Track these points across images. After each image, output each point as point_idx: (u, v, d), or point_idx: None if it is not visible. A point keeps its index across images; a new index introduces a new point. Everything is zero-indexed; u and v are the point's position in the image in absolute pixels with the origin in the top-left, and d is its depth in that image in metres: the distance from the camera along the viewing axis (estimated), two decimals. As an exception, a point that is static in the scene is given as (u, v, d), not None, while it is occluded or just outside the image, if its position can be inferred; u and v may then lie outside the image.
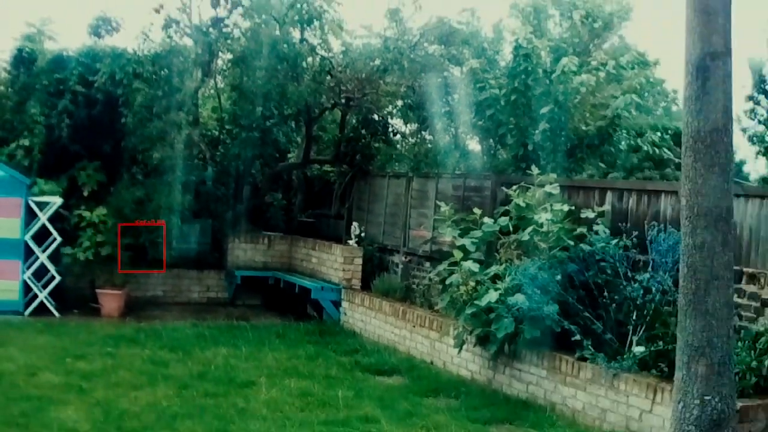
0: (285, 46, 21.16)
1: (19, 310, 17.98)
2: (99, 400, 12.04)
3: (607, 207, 14.71)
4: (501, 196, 16.55)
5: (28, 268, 18.29)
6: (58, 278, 18.49)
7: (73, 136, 20.06)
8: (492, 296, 13.41)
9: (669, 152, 22.60)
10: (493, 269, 14.22)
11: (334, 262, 20.16)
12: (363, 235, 20.74)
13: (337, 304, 19.47)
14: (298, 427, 11.34)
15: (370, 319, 18.17)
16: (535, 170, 15.28)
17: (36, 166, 19.65)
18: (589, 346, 12.39)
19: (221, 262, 22.02)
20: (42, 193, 18.84)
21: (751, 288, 12.03)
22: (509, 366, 13.91)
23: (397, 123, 24.14)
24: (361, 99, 21.57)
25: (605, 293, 13.00)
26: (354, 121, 23.07)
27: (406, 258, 19.77)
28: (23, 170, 18.93)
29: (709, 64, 8.99)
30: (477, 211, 15.66)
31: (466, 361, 14.94)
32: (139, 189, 19.74)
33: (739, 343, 11.23)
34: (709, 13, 9.03)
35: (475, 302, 13.65)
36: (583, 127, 20.44)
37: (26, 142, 19.58)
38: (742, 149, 34.69)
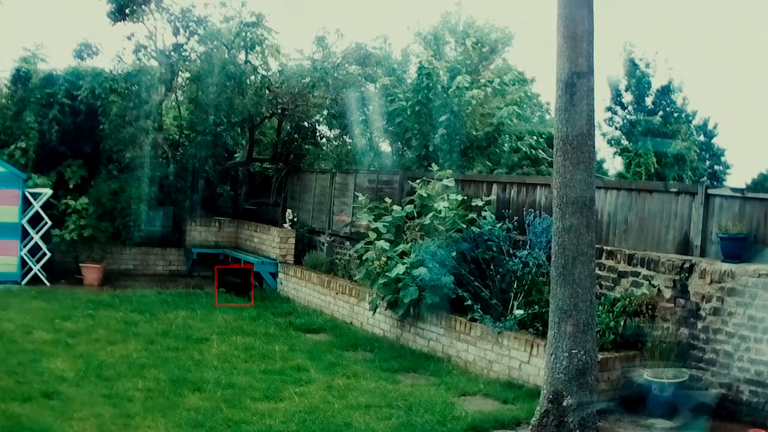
0: (232, 66, 21.17)
1: (17, 280, 17.98)
2: (82, 353, 12.07)
3: (493, 197, 14.66)
4: (407, 188, 16.44)
5: (25, 246, 18.32)
6: (48, 254, 18.51)
7: (61, 139, 20.15)
8: (400, 269, 13.39)
9: (543, 153, 22.61)
10: (401, 247, 14.14)
11: (272, 242, 19.94)
12: (295, 219, 20.72)
13: (274, 275, 19.26)
14: (243, 375, 11.45)
15: (302, 288, 17.94)
16: (434, 167, 15.34)
17: (31, 163, 19.80)
18: (479, 310, 12.31)
19: (181, 242, 21.80)
20: (36, 185, 18.99)
21: (610, 262, 12.10)
22: (414, 325, 13.77)
23: (323, 129, 24.09)
24: (294, 109, 21.54)
25: (492, 266, 12.94)
26: (288, 127, 22.85)
27: (330, 238, 19.58)
28: (20, 167, 19.03)
29: (576, 82, 8.87)
30: (388, 200, 15.59)
31: (379, 322, 14.78)
32: (115, 182, 19.86)
33: (600, 307, 11.27)
34: (575, 40, 8.91)
35: (387, 274, 13.60)
36: (474, 133, 20.45)
37: (23, 145, 19.78)
38: (602, 150, 35.45)
